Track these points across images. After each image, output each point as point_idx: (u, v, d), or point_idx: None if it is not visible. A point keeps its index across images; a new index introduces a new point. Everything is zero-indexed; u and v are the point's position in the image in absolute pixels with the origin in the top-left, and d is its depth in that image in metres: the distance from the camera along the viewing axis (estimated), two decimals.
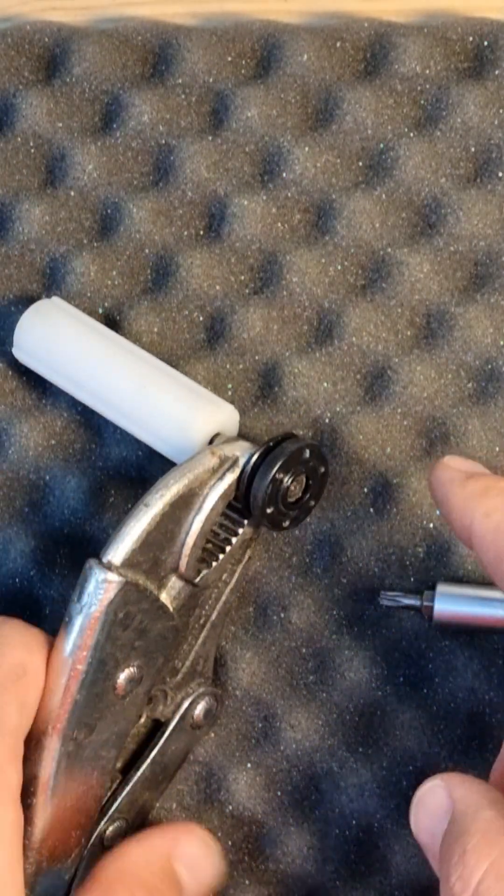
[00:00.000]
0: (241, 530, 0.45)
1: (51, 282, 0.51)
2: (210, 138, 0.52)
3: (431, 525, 0.47)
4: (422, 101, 0.51)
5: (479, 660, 0.46)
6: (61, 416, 0.50)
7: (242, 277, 0.51)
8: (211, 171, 0.52)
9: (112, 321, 0.50)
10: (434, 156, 0.50)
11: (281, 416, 0.49)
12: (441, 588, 0.46)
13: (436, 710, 0.46)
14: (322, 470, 0.46)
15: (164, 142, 0.52)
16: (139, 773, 0.46)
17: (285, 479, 0.44)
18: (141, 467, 0.50)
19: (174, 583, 0.44)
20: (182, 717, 0.46)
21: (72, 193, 0.52)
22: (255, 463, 0.44)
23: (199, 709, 0.46)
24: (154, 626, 0.43)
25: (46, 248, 0.52)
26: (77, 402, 0.49)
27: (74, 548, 0.50)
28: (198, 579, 0.44)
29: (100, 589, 0.41)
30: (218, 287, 0.51)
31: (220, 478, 0.44)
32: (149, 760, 0.46)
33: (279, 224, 0.51)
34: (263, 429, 0.49)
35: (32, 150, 0.53)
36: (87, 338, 0.48)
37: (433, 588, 0.46)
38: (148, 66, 0.53)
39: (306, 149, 0.51)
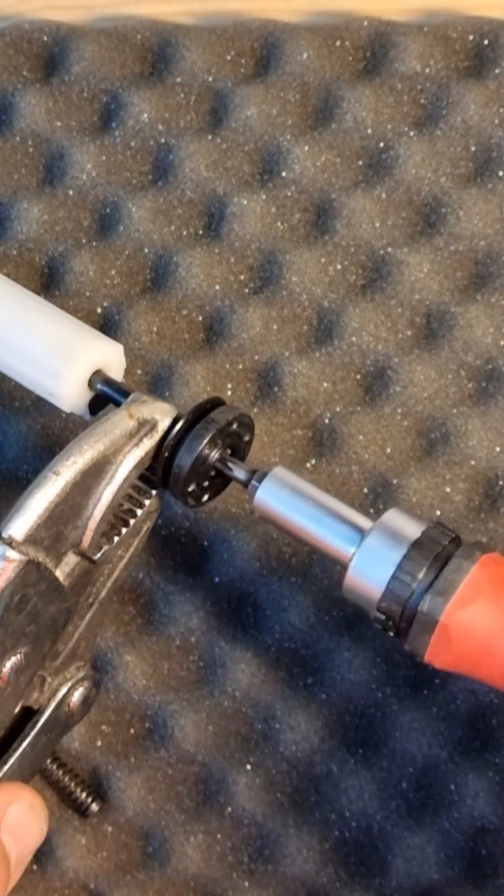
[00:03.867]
0: (147, 502, 0.40)
1: (49, 281, 0.51)
2: (209, 137, 0.52)
3: None
4: (422, 100, 0.51)
5: None
6: None
7: (242, 277, 0.51)
8: (210, 170, 0.51)
9: (111, 320, 0.50)
10: (434, 155, 0.50)
11: (281, 416, 0.49)
12: (277, 472, 0.39)
13: (436, 712, 0.46)
14: (247, 438, 0.41)
15: (163, 141, 0.52)
16: (6, 767, 0.40)
17: (212, 454, 0.39)
18: None
19: (69, 559, 0.39)
20: (58, 705, 0.42)
21: (70, 192, 0.52)
22: (178, 432, 0.39)
23: (77, 696, 0.42)
24: (47, 608, 0.38)
25: (45, 248, 0.52)
26: None
27: None
28: (98, 556, 0.39)
29: None
30: (217, 287, 0.50)
31: (137, 444, 0.38)
32: (18, 753, 0.41)
33: (279, 223, 0.51)
34: (262, 429, 0.48)
35: (31, 149, 0.53)
36: None
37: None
38: (147, 64, 0.53)
39: (306, 148, 0.51)
